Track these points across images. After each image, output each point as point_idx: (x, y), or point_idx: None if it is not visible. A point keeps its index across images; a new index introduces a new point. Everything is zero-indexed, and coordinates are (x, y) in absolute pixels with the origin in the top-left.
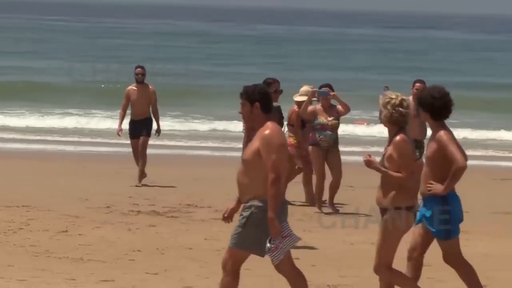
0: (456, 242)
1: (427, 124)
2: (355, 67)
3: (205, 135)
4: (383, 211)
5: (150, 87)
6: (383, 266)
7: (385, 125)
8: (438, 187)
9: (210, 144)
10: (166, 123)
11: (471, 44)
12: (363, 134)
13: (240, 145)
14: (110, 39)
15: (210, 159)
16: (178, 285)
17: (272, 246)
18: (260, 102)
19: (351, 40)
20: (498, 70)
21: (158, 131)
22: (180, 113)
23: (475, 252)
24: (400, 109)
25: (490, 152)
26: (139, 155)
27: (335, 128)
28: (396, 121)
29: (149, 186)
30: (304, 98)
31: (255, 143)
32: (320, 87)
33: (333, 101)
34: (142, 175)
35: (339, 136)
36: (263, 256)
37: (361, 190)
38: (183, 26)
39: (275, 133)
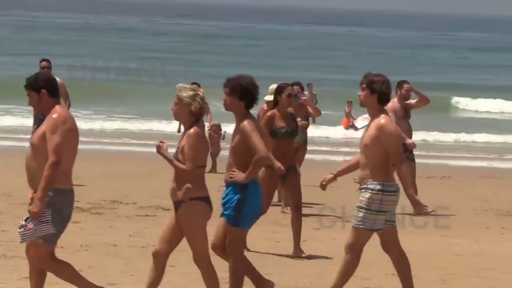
0: (244, 233)
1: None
2: (276, 64)
3: (129, 133)
4: (177, 204)
5: (58, 79)
6: (203, 260)
7: (183, 119)
8: (240, 176)
9: (134, 141)
10: (92, 121)
11: (395, 41)
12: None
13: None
14: (34, 33)
15: (134, 155)
16: (102, 282)
17: (27, 225)
18: (45, 88)
19: (277, 37)
20: (414, 68)
21: None
22: (103, 109)
23: None
24: (205, 101)
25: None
26: None
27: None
28: (202, 113)
29: (74, 182)
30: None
31: (43, 127)
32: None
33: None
34: None
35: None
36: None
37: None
38: (112, 21)
39: (62, 117)
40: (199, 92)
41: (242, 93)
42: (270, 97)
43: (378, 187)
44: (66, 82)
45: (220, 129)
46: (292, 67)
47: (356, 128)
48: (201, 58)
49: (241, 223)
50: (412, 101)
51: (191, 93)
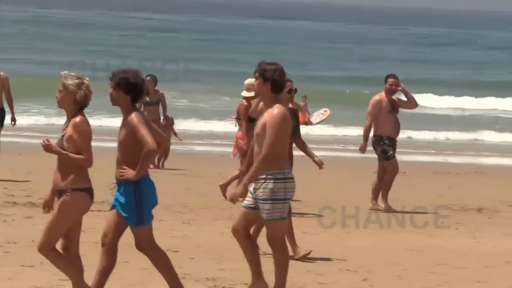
0: (149, 228)
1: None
2: (224, 59)
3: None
4: (60, 193)
5: (2, 73)
6: (48, 246)
7: (67, 106)
8: (130, 173)
9: None
10: (46, 116)
11: (347, 35)
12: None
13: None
14: None
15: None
16: (54, 277)
17: None
18: None
19: (227, 31)
20: (366, 63)
21: (13, 119)
22: (55, 104)
23: (356, 245)
24: (91, 90)
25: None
26: None
27: None
28: (87, 102)
29: (25, 177)
30: (252, 93)
31: None
32: None
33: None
34: None
35: None
36: None
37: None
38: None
39: None
40: (85, 81)
41: (127, 87)
42: (247, 93)
43: (280, 175)
44: (17, 77)
45: (173, 123)
46: (240, 61)
47: (311, 123)
48: (151, 53)
49: (145, 220)
50: (398, 97)
51: (76, 81)
